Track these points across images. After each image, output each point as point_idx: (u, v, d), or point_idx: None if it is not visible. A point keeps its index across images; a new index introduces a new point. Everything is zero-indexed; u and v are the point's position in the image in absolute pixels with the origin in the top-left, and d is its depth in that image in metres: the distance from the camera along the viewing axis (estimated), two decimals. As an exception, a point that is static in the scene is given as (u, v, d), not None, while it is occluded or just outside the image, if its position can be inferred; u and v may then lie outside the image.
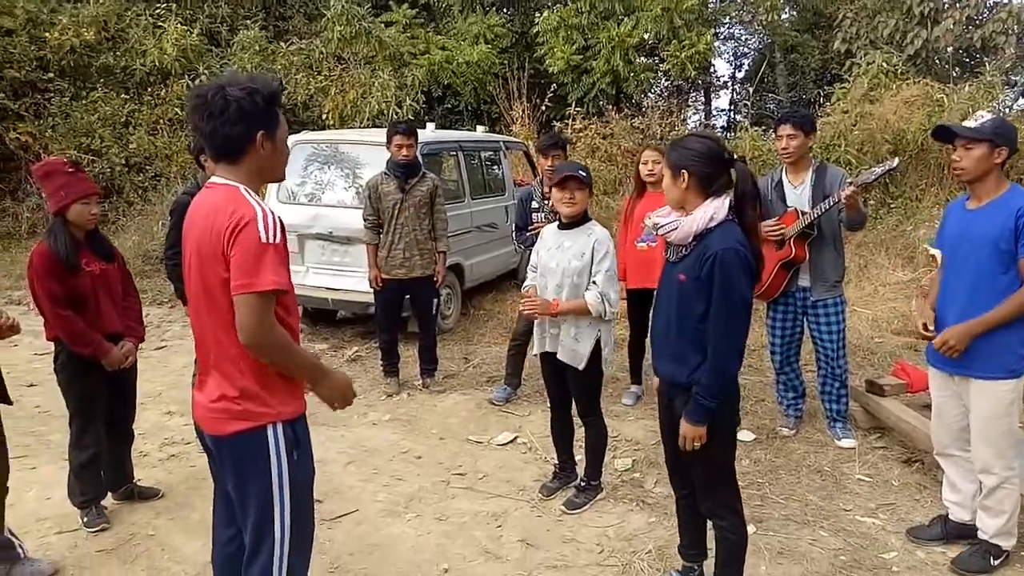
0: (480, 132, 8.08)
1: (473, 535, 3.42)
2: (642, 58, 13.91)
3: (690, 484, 2.78)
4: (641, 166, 4.80)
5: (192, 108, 2.06)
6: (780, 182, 4.21)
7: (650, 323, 2.97)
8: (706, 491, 2.72)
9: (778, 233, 4.05)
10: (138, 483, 3.81)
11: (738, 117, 17.00)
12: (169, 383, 5.38)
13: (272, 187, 6.34)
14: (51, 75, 11.14)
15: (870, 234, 7.94)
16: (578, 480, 3.77)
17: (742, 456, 4.14)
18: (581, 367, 3.47)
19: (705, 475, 2.68)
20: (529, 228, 4.88)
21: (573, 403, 3.71)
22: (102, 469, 3.59)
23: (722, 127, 17.06)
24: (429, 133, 6.94)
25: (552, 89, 12.83)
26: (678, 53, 12.63)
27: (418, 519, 3.57)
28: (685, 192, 2.54)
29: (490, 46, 13.72)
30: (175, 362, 5.91)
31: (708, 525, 2.89)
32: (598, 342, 3.47)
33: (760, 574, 3.08)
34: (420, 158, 5.28)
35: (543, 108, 12.41)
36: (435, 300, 5.28)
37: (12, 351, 6.02)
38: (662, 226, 2.61)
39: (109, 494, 3.67)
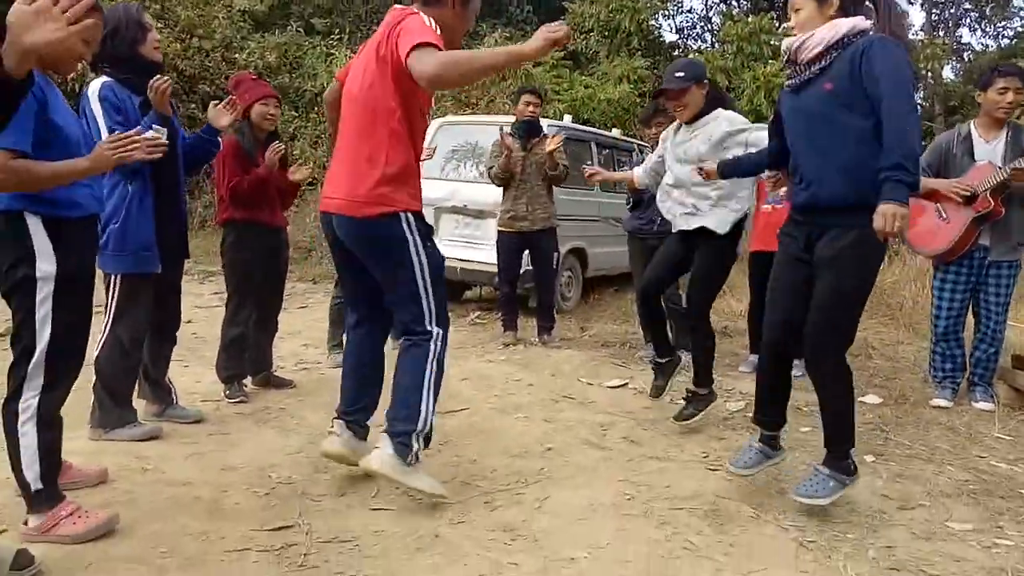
0: (616, 133, 8.30)
1: (578, 433, 3.48)
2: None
3: (790, 335, 2.68)
4: None
5: None
6: (969, 136, 4.04)
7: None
8: (818, 334, 2.52)
9: (965, 188, 3.90)
10: (275, 372, 4.15)
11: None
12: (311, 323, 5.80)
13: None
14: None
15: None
16: (687, 392, 3.57)
17: (865, 411, 3.95)
18: (725, 231, 3.33)
19: (829, 307, 2.50)
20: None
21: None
22: (246, 352, 3.96)
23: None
24: (565, 124, 7.23)
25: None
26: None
27: (526, 419, 3.67)
28: (831, 20, 2.47)
29: (632, 86, 14.05)
30: (320, 311, 6.37)
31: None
32: (739, 224, 3.36)
33: (877, 488, 2.93)
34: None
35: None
36: (555, 254, 5.45)
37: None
38: (798, 40, 2.51)
39: (249, 377, 4.02)
